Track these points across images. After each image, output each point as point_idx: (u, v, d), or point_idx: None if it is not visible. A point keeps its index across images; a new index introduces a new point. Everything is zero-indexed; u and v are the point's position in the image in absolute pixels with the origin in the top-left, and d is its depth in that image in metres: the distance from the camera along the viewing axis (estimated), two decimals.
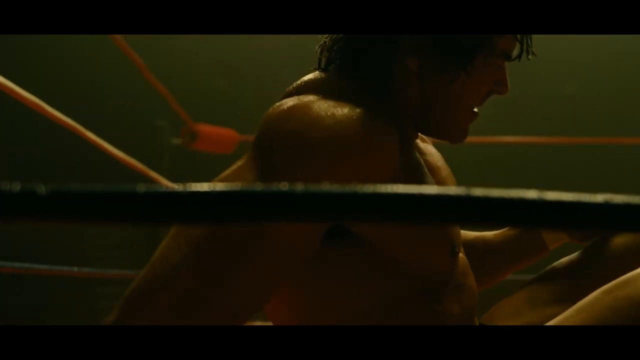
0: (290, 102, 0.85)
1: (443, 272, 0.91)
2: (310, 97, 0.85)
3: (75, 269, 2.41)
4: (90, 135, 2.06)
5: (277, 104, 0.87)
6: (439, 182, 1.00)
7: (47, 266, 2.07)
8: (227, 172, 0.85)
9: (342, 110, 0.83)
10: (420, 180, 0.91)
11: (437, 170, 1.01)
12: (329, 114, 0.82)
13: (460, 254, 0.97)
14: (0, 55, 4.95)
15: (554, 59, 5.74)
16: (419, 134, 1.01)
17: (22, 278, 4.68)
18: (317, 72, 0.94)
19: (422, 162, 0.96)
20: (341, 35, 0.93)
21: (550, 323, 0.94)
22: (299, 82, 0.93)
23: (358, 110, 0.84)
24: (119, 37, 2.13)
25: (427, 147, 1.05)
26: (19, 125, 4.88)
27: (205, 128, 3.31)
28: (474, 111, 0.96)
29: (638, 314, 0.87)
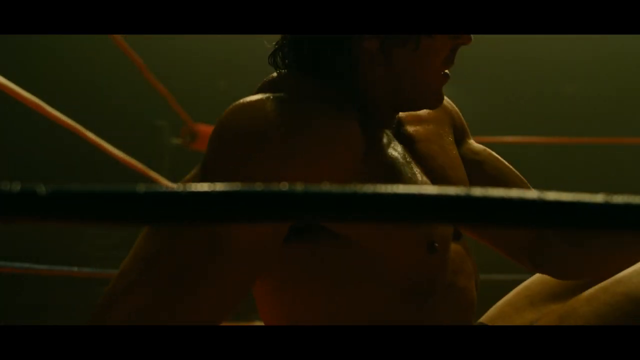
0: (241, 101, 0.85)
1: (422, 270, 0.89)
2: (263, 95, 0.85)
3: (75, 269, 2.41)
4: (90, 135, 2.06)
5: (233, 103, 0.87)
6: (431, 170, 0.97)
7: (47, 266, 2.07)
8: (188, 176, 0.85)
9: (291, 107, 0.83)
10: (389, 174, 0.88)
11: (429, 158, 0.99)
12: (277, 110, 0.82)
13: (455, 248, 0.95)
14: (0, 55, 4.95)
15: (554, 59, 5.74)
16: (405, 115, 1.00)
17: (22, 278, 4.68)
18: (279, 72, 0.94)
19: (400, 152, 0.93)
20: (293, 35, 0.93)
21: (548, 321, 0.94)
22: (263, 81, 0.93)
23: (310, 105, 0.84)
24: (119, 37, 2.13)
25: (421, 132, 1.02)
26: (19, 125, 4.88)
27: (205, 128, 3.31)
28: (446, 73, 0.95)
29: (635, 310, 0.87)
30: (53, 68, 5.37)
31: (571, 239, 1.01)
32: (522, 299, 1.09)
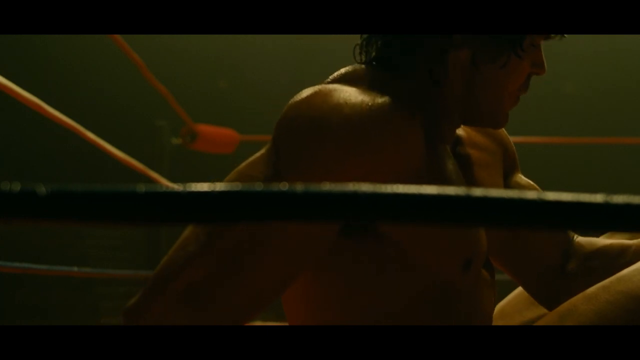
0: (310, 90, 0.84)
1: (453, 285, 0.89)
2: (333, 85, 0.84)
3: (75, 269, 2.41)
4: (90, 135, 2.06)
5: (300, 92, 0.86)
6: (474, 180, 0.99)
7: (47, 266, 2.07)
8: (244, 164, 0.84)
9: (364, 100, 0.81)
10: (442, 179, 0.89)
11: (477, 183, 0.99)
12: (349, 102, 0.81)
13: (483, 273, 0.95)
14: (0, 55, 4.95)
15: (554, 59, 5.74)
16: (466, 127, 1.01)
17: (22, 278, 4.68)
18: (355, 65, 0.93)
19: (454, 170, 0.93)
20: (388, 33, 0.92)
21: (548, 318, 0.94)
22: (335, 74, 0.92)
23: (383, 101, 0.82)
24: (119, 37, 2.13)
25: (474, 156, 1.03)
26: (19, 125, 4.88)
27: (205, 128, 3.31)
28: (518, 97, 0.97)
29: (636, 308, 0.87)
30: (53, 68, 5.37)
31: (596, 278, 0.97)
32: (523, 299, 1.10)
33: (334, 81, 0.89)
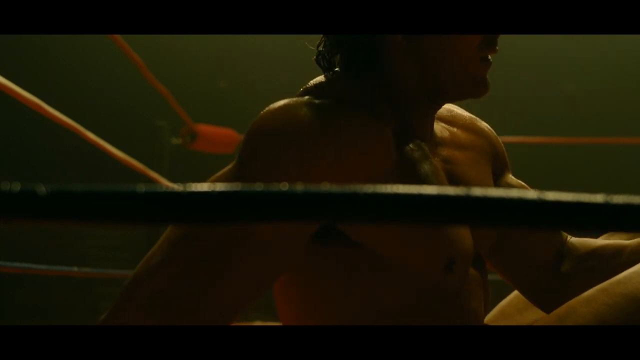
0: (277, 104, 0.86)
1: (437, 286, 0.89)
2: (296, 99, 0.87)
3: (75, 269, 2.41)
4: (90, 135, 2.06)
5: (268, 106, 0.88)
6: (461, 180, 0.97)
7: (47, 266, 2.07)
8: (215, 177, 0.86)
9: (324, 111, 0.84)
10: (415, 179, 0.88)
11: (462, 182, 0.97)
12: (312, 113, 0.83)
13: (472, 273, 0.94)
14: (0, 55, 4.95)
15: (554, 58, 5.74)
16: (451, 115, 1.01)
17: (22, 278, 4.68)
18: (322, 75, 0.95)
19: (432, 169, 0.92)
20: (331, 36, 0.93)
21: (548, 321, 0.94)
22: (303, 87, 0.94)
23: (342, 108, 0.85)
24: (119, 37, 2.13)
25: (459, 156, 1.00)
26: (19, 125, 4.88)
27: (205, 128, 3.31)
28: (486, 58, 0.93)
29: (634, 310, 0.87)
30: (53, 68, 5.37)
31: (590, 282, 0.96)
32: (524, 299, 1.10)
33: (303, 93, 0.91)
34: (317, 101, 0.85)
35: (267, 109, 0.86)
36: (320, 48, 0.95)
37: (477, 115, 1.09)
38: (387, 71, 0.93)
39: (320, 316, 0.90)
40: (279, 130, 0.82)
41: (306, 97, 0.87)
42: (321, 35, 0.96)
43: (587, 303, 0.90)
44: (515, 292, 1.13)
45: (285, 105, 0.85)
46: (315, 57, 0.96)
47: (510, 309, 1.11)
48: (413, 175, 0.89)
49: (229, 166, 0.85)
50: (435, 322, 0.89)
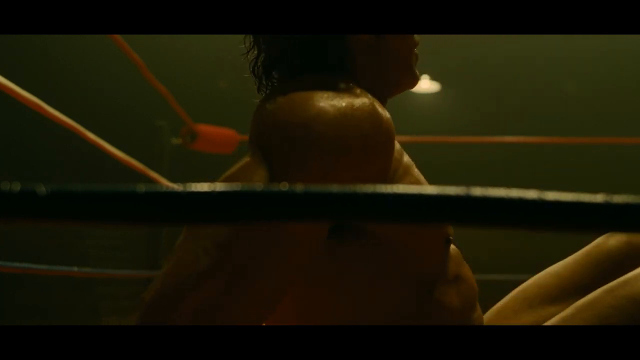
0: (285, 97, 0.84)
1: (438, 262, 0.91)
2: (305, 91, 0.84)
3: (75, 269, 2.41)
4: (90, 135, 2.06)
5: (269, 99, 0.85)
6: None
7: (47, 266, 2.07)
8: (229, 173, 0.82)
9: (342, 99, 0.83)
10: (412, 168, 0.92)
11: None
12: (330, 103, 0.81)
13: (452, 246, 0.97)
14: (0, 55, 4.95)
15: (555, 59, 5.74)
16: None
17: (22, 278, 4.68)
18: (287, 78, 0.95)
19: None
20: (293, 38, 0.94)
21: (551, 322, 0.95)
22: (274, 88, 0.94)
23: (354, 97, 0.85)
24: (119, 37, 2.13)
25: None
26: (19, 125, 4.88)
27: (205, 128, 3.31)
28: (416, 52, 1.02)
29: (638, 313, 0.87)
30: (53, 68, 5.37)
31: None
32: (520, 302, 1.10)
33: (285, 91, 0.88)
34: (330, 94, 0.83)
35: (280, 103, 0.83)
36: (273, 54, 0.96)
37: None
38: (354, 69, 0.95)
39: (333, 309, 0.89)
40: (316, 127, 0.79)
41: (319, 91, 0.84)
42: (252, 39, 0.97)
43: (593, 305, 0.90)
44: (511, 294, 1.13)
45: (305, 97, 0.82)
46: (262, 63, 0.97)
47: (507, 311, 1.11)
48: (409, 161, 0.92)
49: (242, 168, 0.81)
50: (439, 292, 0.91)
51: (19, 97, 1.60)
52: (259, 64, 0.98)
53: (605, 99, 6.07)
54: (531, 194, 0.33)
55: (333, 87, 0.85)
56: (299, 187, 0.33)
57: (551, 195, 0.33)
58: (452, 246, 0.96)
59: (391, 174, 0.86)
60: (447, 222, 0.34)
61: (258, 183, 0.79)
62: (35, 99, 1.66)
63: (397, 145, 0.89)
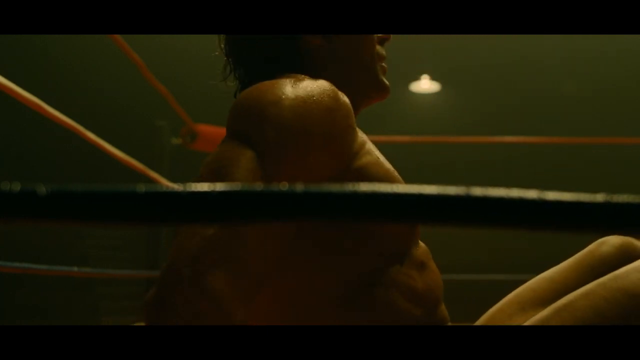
0: (254, 87, 0.88)
1: (403, 240, 0.93)
2: (271, 80, 0.89)
3: (75, 269, 2.41)
4: (90, 135, 2.06)
5: (241, 93, 0.89)
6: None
7: (47, 266, 2.07)
8: (210, 159, 0.82)
9: (303, 82, 0.87)
10: (375, 154, 0.94)
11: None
12: (294, 85, 0.86)
13: (421, 243, 0.99)
14: (0, 55, 4.95)
15: (555, 59, 5.74)
16: None
17: (22, 278, 4.68)
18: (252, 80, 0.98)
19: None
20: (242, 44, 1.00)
21: (544, 313, 0.95)
22: (245, 85, 0.99)
23: (314, 80, 0.88)
24: (119, 37, 2.13)
25: None
26: (19, 125, 4.88)
27: (205, 128, 3.31)
28: (383, 65, 1.04)
29: (631, 305, 0.88)
30: (53, 68, 5.37)
31: None
32: (513, 305, 1.11)
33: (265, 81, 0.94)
34: (294, 77, 0.88)
35: (250, 89, 0.87)
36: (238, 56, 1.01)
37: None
38: (318, 75, 0.96)
39: (301, 291, 0.89)
40: (275, 98, 0.83)
41: (283, 78, 0.89)
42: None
43: (586, 296, 0.91)
44: (505, 299, 1.14)
45: (268, 83, 0.87)
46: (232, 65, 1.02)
47: (500, 314, 1.12)
48: (372, 147, 0.94)
49: (227, 146, 0.81)
50: (404, 276, 0.92)
51: (19, 97, 1.60)
52: (230, 65, 1.05)
53: (605, 99, 6.08)
54: (531, 194, 0.33)
55: (296, 77, 0.90)
56: (299, 187, 0.33)
57: (551, 195, 0.33)
58: (421, 242, 0.99)
59: (357, 148, 0.90)
60: (447, 222, 0.34)
61: (246, 167, 0.79)
62: (35, 99, 1.66)
63: (360, 132, 0.93)
